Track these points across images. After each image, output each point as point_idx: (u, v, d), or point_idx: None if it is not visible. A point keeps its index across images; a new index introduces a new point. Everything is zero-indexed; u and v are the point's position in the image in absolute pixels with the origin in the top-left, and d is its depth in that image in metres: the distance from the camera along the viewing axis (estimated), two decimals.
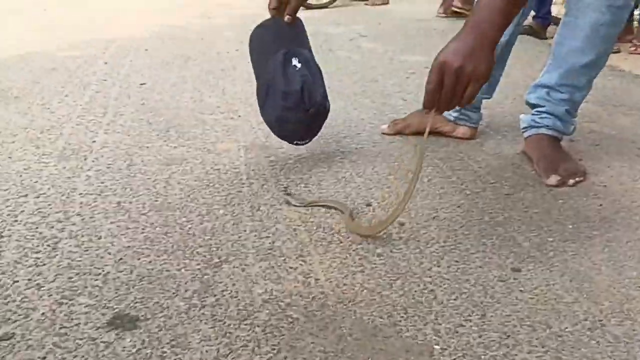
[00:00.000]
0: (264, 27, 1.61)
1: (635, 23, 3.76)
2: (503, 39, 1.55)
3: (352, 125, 1.99)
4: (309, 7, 4.55)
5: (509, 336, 0.98)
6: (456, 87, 1.13)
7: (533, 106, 1.72)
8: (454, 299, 1.08)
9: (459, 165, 1.67)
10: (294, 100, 1.52)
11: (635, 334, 0.99)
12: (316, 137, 1.67)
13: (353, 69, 2.72)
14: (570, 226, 1.34)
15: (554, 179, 1.55)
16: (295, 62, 1.55)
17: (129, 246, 1.21)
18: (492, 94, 1.88)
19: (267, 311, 1.03)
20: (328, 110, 1.63)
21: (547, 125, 1.67)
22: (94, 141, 1.77)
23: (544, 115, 1.67)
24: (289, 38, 1.59)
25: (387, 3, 5.19)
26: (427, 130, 1.25)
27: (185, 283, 1.10)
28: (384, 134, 1.90)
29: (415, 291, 1.10)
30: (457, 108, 1.78)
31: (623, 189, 1.53)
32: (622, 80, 2.67)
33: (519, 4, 1.17)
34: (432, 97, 1.16)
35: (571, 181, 1.55)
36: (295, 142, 1.67)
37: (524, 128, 1.73)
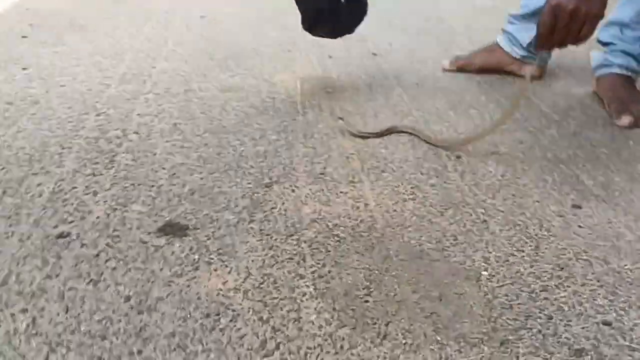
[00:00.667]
0: None
1: None
2: None
3: (415, 61, 1.93)
4: None
5: (562, 268, 0.94)
6: (571, 28, 1.12)
7: (605, 44, 1.61)
8: (507, 230, 1.04)
9: (524, 103, 1.59)
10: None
11: None
12: (375, 71, 1.63)
13: (418, 6, 2.63)
14: None
15: (626, 120, 1.46)
16: None
17: (182, 163, 1.23)
18: None
19: (315, 229, 1.02)
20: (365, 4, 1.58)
21: (621, 65, 1.56)
22: (154, 67, 1.78)
23: (618, 53, 1.57)
24: None
25: None
26: (529, 74, 1.26)
27: (236, 199, 1.10)
28: (445, 70, 1.84)
29: (467, 220, 1.06)
30: (524, 45, 1.71)
31: None
32: None
33: None
34: (546, 39, 1.15)
35: None
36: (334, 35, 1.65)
37: (595, 67, 1.63)
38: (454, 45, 2.11)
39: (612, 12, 1.59)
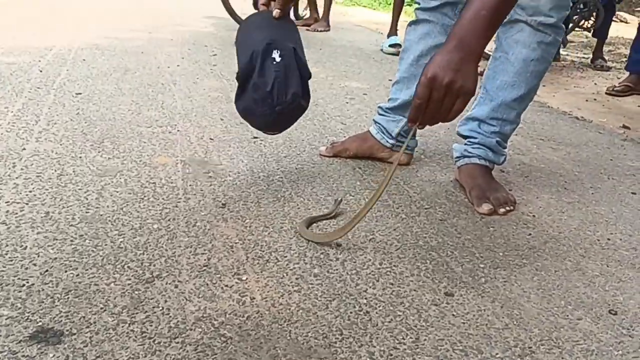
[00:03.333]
0: (256, 15, 1.55)
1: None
2: None
3: (293, 145, 1.99)
4: None
5: None
6: (444, 102, 1.12)
7: (465, 137, 1.78)
8: (389, 322, 1.08)
9: (394, 190, 1.70)
10: (261, 94, 1.45)
11: None
12: (256, 155, 1.66)
13: None
14: (501, 254, 1.39)
15: (485, 207, 1.60)
16: (275, 55, 1.46)
17: (56, 258, 1.16)
18: None
19: (200, 329, 1.00)
20: (302, 107, 1.53)
21: (479, 156, 1.73)
22: (24, 149, 1.69)
23: (476, 146, 1.73)
24: (277, 30, 1.50)
25: (328, 30, 5.27)
26: (400, 153, 1.34)
27: (115, 298, 1.05)
28: (322, 155, 1.91)
29: (351, 312, 1.10)
30: (393, 135, 1.83)
31: (551, 220, 1.60)
32: (551, 117, 2.81)
33: (503, 18, 1.16)
34: (418, 111, 1.14)
35: (501, 210, 1.60)
36: (265, 132, 1.63)
37: (457, 157, 1.78)
38: (328, 129, 2.22)
39: (471, 108, 1.77)
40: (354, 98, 2.73)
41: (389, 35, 4.49)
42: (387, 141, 1.87)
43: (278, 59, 1.44)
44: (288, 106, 1.46)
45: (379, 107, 1.89)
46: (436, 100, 1.12)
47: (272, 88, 1.43)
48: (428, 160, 1.99)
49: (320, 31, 5.19)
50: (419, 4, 1.76)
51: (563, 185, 1.87)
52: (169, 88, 2.57)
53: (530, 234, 1.50)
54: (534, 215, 1.62)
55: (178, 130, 2.01)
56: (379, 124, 1.88)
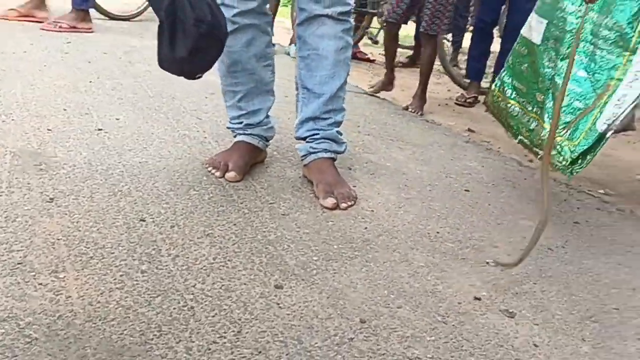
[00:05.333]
0: None
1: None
2: None
3: (141, 139, 1.92)
4: (113, 17, 4.34)
5: (260, 352, 1.00)
6: None
7: (305, 139, 1.81)
8: (212, 316, 1.07)
9: (241, 185, 1.69)
10: (206, 26, 1.40)
11: (379, 349, 1.07)
12: (98, 147, 1.58)
13: (151, 83, 2.65)
14: (335, 247, 1.43)
15: (330, 202, 1.64)
16: None
17: None
18: None
19: (2, 331, 0.93)
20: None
21: (325, 149, 1.77)
22: None
23: (319, 140, 1.77)
24: None
25: None
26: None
27: None
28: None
29: (174, 308, 1.07)
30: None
31: (387, 214, 1.67)
32: (403, 119, 2.95)
33: None
34: None
35: (343, 205, 1.65)
36: (198, 76, 1.53)
37: (303, 156, 1.81)
38: (181, 124, 2.16)
39: (299, 111, 1.80)
40: (214, 93, 2.69)
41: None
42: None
43: None
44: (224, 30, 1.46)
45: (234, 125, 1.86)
46: None
47: (212, 15, 1.41)
48: (280, 157, 2.01)
49: None
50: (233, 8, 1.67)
51: (404, 183, 1.96)
52: (10, 75, 2.38)
53: (366, 228, 1.56)
54: (372, 210, 1.68)
55: (13, 120, 1.87)
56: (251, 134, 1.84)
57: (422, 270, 1.39)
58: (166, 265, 1.21)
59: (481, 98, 3.58)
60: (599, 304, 1.38)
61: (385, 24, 3.54)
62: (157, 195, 1.53)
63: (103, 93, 2.34)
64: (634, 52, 1.60)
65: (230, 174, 1.70)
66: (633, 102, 1.59)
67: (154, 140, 1.94)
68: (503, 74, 1.99)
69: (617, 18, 1.63)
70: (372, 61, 5.12)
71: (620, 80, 1.61)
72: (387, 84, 3.46)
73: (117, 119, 2.07)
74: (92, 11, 3.69)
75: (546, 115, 1.76)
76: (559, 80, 1.71)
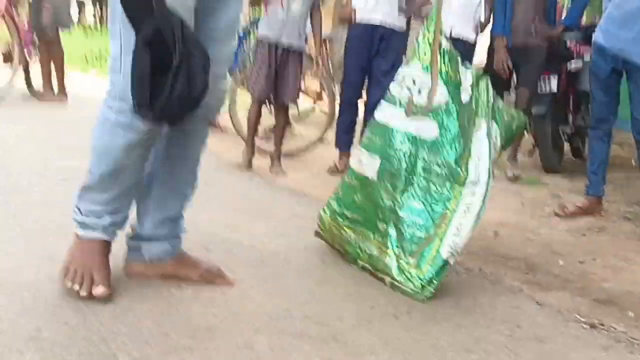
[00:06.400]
0: None
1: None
2: None
3: None
4: None
5: None
6: None
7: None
8: None
9: None
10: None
11: None
12: None
13: None
14: (175, 337, 1.38)
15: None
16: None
17: None
18: None
19: None
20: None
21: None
22: None
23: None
24: None
25: (66, 100, 4.99)
26: None
27: None
28: None
29: None
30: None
31: (238, 296, 1.64)
32: (272, 192, 2.97)
33: None
34: None
35: None
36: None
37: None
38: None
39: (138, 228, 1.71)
40: (67, 179, 2.57)
41: None
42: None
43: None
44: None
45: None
46: None
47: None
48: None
49: (54, 101, 4.91)
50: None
51: (260, 259, 1.95)
52: None
53: (213, 313, 1.52)
54: (223, 293, 1.65)
55: None
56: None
57: (265, 355, 1.37)
58: None
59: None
60: None
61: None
62: None
63: None
64: (462, 184, 1.79)
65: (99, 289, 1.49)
66: (470, 230, 1.76)
67: None
68: (332, 203, 2.05)
69: (446, 158, 1.83)
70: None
71: (455, 211, 1.78)
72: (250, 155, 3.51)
73: None
74: None
75: (389, 242, 1.86)
76: (401, 213, 1.85)
